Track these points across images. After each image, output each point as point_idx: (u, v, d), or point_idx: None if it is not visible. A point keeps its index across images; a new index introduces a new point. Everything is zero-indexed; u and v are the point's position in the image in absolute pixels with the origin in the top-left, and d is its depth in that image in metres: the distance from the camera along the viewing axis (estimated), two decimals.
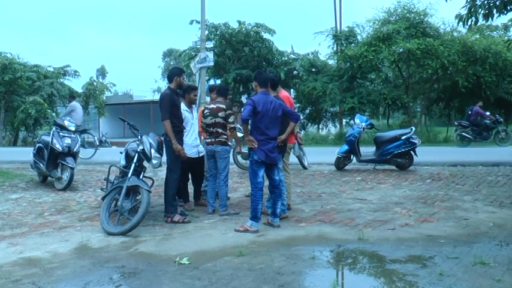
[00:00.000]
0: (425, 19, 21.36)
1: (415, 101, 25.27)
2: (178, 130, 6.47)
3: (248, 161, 10.59)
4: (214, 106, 6.85)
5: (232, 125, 6.85)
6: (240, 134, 7.80)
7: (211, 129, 6.82)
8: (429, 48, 19.58)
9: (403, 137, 10.35)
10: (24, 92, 27.51)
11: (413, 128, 11.04)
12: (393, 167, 10.65)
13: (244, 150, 10.39)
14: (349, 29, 23.80)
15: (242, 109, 7.03)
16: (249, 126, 5.94)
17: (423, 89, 23.60)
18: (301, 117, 26.45)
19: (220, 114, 6.77)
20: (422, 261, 4.65)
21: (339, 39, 23.57)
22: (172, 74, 6.62)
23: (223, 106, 6.82)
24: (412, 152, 10.41)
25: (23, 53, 54.93)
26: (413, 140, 10.35)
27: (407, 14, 21.50)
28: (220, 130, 6.79)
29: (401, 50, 20.20)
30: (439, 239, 5.31)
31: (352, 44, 23.01)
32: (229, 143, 7.00)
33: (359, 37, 23.58)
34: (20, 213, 7.08)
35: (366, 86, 23.57)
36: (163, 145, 6.50)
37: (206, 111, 6.89)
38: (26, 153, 11.61)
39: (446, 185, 8.72)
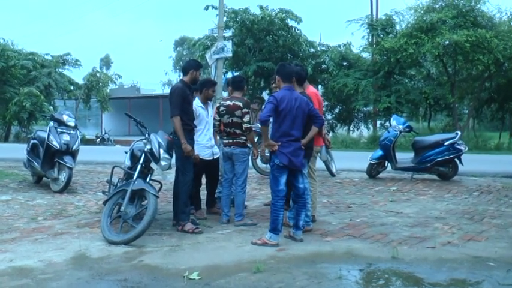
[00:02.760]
0: (477, 6, 21.06)
1: (462, 101, 25.00)
2: (189, 129, 6.51)
3: (268, 166, 10.65)
4: (231, 103, 6.84)
5: (247, 125, 6.77)
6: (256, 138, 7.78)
7: (228, 129, 6.84)
8: (480, 41, 19.30)
9: (447, 143, 10.26)
10: (18, 83, 27.98)
11: (459, 133, 10.95)
12: (434, 177, 10.56)
13: (265, 152, 10.44)
14: (387, 17, 23.64)
15: (263, 107, 7.02)
16: (270, 128, 5.93)
17: (472, 87, 23.31)
18: (330, 117, 26.42)
19: (237, 113, 6.77)
20: (467, 287, 4.61)
21: (374, 29, 23.45)
22: (189, 66, 6.67)
23: (240, 103, 6.80)
24: (456, 159, 10.31)
25: (18, 38, 56.02)
26: (458, 146, 10.26)
27: (456, 1, 21.24)
28: (238, 131, 6.80)
29: (447, 42, 19.99)
30: (489, 262, 5.23)
31: (390, 35, 22.86)
32: (249, 145, 7.00)
33: (398, 27, 23.42)
34: (10, 217, 7.18)
35: (404, 84, 23.41)
36: (174, 145, 6.55)
37: (222, 108, 6.89)
38: (19, 150, 11.78)
39: (497, 199, 8.61)
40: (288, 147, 5.79)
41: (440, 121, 27.85)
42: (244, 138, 6.85)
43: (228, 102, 6.88)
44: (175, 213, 6.63)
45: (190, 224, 6.41)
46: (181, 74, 6.80)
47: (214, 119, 7.06)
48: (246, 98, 7.24)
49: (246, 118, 6.76)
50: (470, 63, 20.71)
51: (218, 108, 6.97)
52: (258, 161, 10.65)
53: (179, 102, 6.36)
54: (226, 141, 6.89)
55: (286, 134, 5.81)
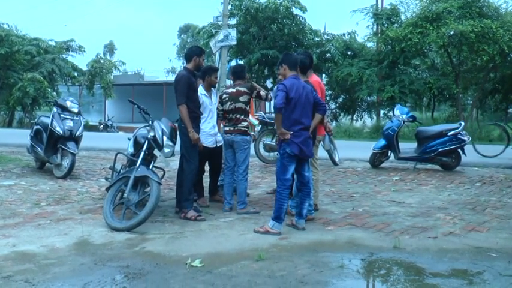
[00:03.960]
0: None
1: (466, 92, 24.86)
2: (195, 116, 6.52)
3: (271, 154, 10.65)
4: (234, 90, 6.89)
5: (265, 93, 7.01)
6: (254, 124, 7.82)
7: (230, 115, 6.86)
8: (486, 31, 19.14)
9: (450, 133, 10.23)
10: (21, 68, 27.93)
11: (463, 123, 10.88)
12: (437, 167, 10.53)
13: (268, 141, 10.45)
14: (392, 6, 23.47)
15: (270, 95, 7.04)
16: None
17: (476, 78, 23.19)
18: (333, 106, 26.38)
19: (241, 98, 6.80)
20: (468, 277, 4.60)
21: (379, 18, 23.28)
22: (192, 53, 6.67)
23: (244, 89, 6.84)
24: (460, 150, 10.27)
25: (22, 24, 55.61)
26: (461, 137, 10.22)
27: None
28: (241, 116, 6.82)
29: (452, 32, 19.85)
30: (490, 252, 5.23)
31: (395, 25, 22.69)
32: (252, 133, 7.01)
33: (403, 16, 23.23)
34: (13, 202, 7.21)
35: (408, 73, 23.26)
36: (178, 132, 6.54)
37: (224, 96, 6.93)
38: (22, 136, 11.81)
39: (500, 190, 8.59)
40: (299, 136, 5.79)
41: (444, 111, 27.73)
42: (245, 124, 6.86)
43: (231, 90, 6.93)
44: (179, 200, 6.64)
45: (192, 212, 6.42)
46: (185, 62, 6.79)
47: (217, 108, 7.08)
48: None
49: (263, 92, 6.98)
50: (475, 53, 20.52)
51: (221, 96, 7.02)
52: (261, 149, 10.68)
53: (185, 90, 6.36)
54: (228, 128, 6.90)
55: (297, 122, 5.80)
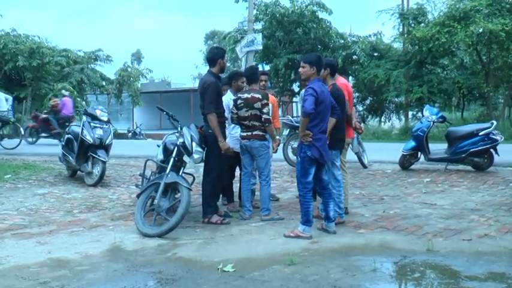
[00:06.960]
0: None
1: (497, 90, 24.41)
2: (221, 121, 6.51)
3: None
4: (249, 96, 6.67)
5: (266, 117, 6.57)
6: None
7: (246, 122, 6.67)
8: None
9: (482, 133, 10.04)
10: (52, 79, 28.42)
11: (495, 122, 10.67)
12: (469, 167, 10.35)
13: (296, 145, 10.41)
14: (419, 6, 23.30)
15: (299, 99, 6.99)
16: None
17: (507, 76, 22.71)
18: (361, 108, 26.22)
19: (255, 105, 6.60)
20: (506, 280, 4.50)
21: (406, 18, 23.12)
22: (215, 56, 6.58)
23: (259, 95, 6.64)
24: (492, 150, 10.08)
25: (51, 35, 56.62)
26: (494, 136, 10.02)
27: None
28: (257, 123, 6.62)
29: (480, 30, 19.51)
30: None
31: (422, 24, 22.50)
32: (278, 136, 6.97)
33: (430, 16, 23.06)
34: (47, 210, 7.34)
35: (436, 73, 23.01)
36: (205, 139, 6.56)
37: (240, 101, 6.70)
38: (54, 145, 12.01)
39: None
40: (319, 140, 5.76)
41: (474, 111, 27.30)
42: (263, 129, 6.70)
43: (246, 95, 6.71)
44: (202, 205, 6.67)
45: (216, 216, 6.46)
46: (208, 65, 6.67)
47: (231, 112, 6.88)
48: (265, 90, 7.17)
49: (266, 110, 6.59)
50: (505, 51, 20.17)
51: (236, 101, 6.79)
52: (289, 153, 10.65)
53: (215, 97, 6.34)
54: (245, 133, 6.72)
55: (319, 126, 5.77)
